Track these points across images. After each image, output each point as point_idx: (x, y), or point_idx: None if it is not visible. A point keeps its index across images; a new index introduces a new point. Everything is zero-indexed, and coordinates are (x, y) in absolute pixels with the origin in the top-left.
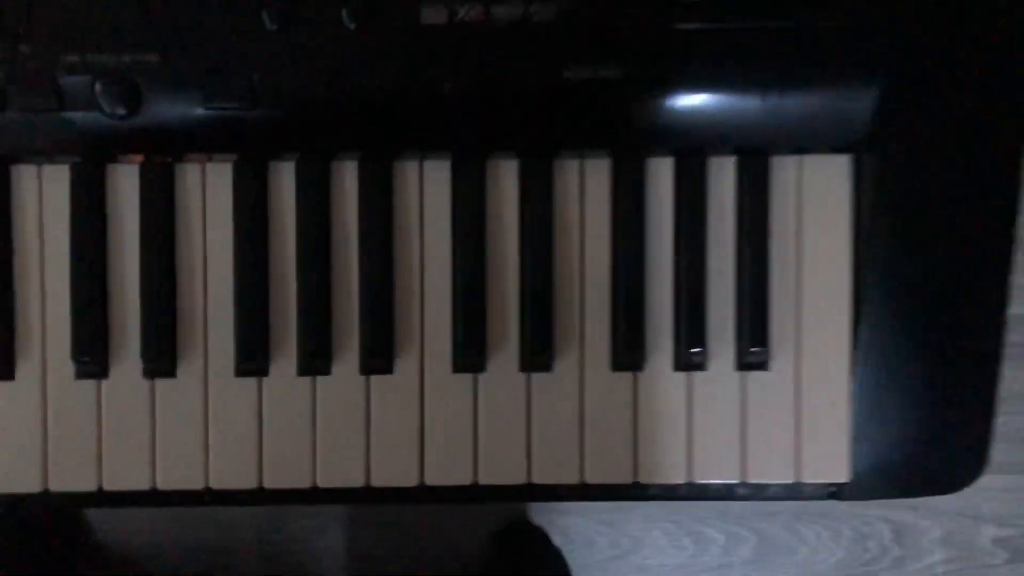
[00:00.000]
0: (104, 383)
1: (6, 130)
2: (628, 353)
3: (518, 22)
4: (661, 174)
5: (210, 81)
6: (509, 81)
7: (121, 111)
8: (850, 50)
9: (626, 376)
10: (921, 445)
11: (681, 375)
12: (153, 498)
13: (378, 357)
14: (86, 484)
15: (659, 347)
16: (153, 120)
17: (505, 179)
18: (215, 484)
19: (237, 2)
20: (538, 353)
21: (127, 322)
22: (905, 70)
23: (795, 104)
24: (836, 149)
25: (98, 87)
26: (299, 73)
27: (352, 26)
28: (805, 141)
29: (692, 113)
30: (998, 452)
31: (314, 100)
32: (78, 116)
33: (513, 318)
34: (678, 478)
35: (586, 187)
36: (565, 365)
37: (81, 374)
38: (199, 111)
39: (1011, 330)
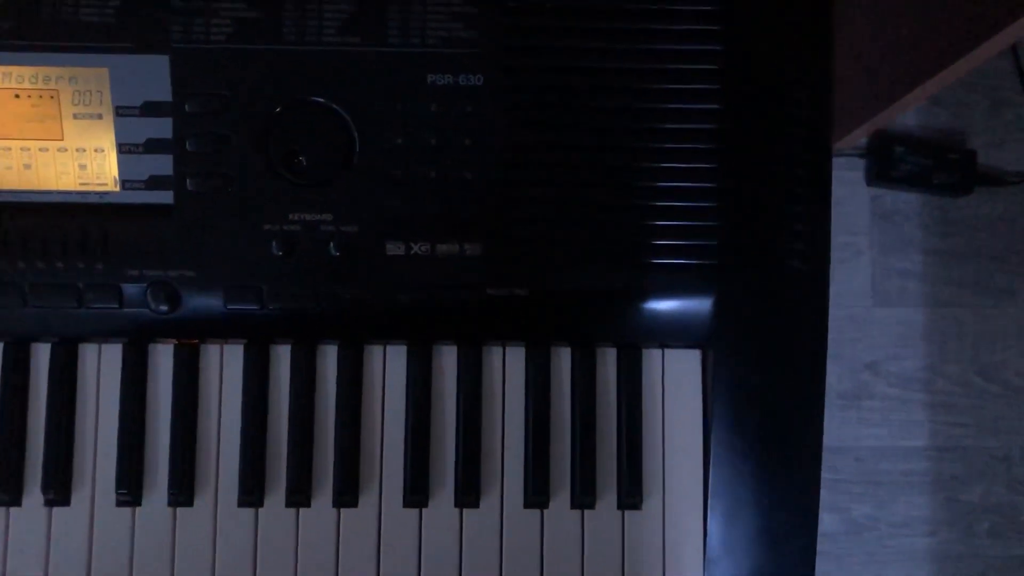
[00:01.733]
0: (138, 510)
1: (80, 320)
2: (537, 496)
3: (455, 255)
4: (562, 359)
5: (230, 289)
6: (449, 295)
7: (164, 309)
8: (690, 283)
9: (535, 512)
10: (759, 568)
11: (576, 512)
12: None
13: (346, 495)
14: None
15: (560, 491)
16: (187, 315)
17: (447, 361)
18: None
19: (254, 235)
20: (468, 494)
21: (158, 464)
22: (727, 294)
23: (658, 313)
24: (689, 345)
25: (149, 293)
26: (296, 285)
27: (336, 254)
28: (667, 339)
29: (582, 318)
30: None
31: (306, 304)
32: (132, 312)
33: (450, 466)
34: None
35: (507, 368)
36: (489, 503)
37: (120, 503)
38: (221, 309)
39: (908, 459)
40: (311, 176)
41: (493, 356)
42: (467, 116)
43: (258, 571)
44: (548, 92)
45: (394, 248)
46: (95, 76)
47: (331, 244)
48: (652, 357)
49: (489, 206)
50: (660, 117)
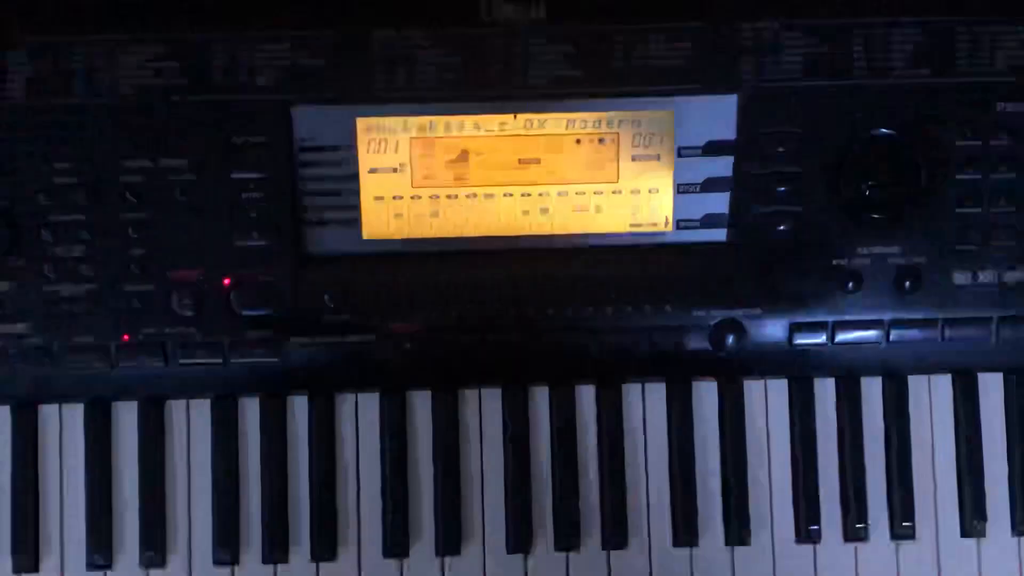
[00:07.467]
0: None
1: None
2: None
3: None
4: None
5: (798, 326)
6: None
7: (732, 346)
8: None
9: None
10: None
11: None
12: None
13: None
14: None
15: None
16: (747, 353)
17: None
18: None
19: (823, 269)
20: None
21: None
22: None
23: None
24: None
25: (714, 332)
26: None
27: (905, 285)
28: None
29: None
30: None
31: (871, 336)
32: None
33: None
34: None
35: None
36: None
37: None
38: (786, 347)
39: None
40: (880, 210)
41: None
42: None
43: None
44: None
45: (961, 278)
46: (659, 119)
47: (899, 276)
48: None
49: None
50: None
